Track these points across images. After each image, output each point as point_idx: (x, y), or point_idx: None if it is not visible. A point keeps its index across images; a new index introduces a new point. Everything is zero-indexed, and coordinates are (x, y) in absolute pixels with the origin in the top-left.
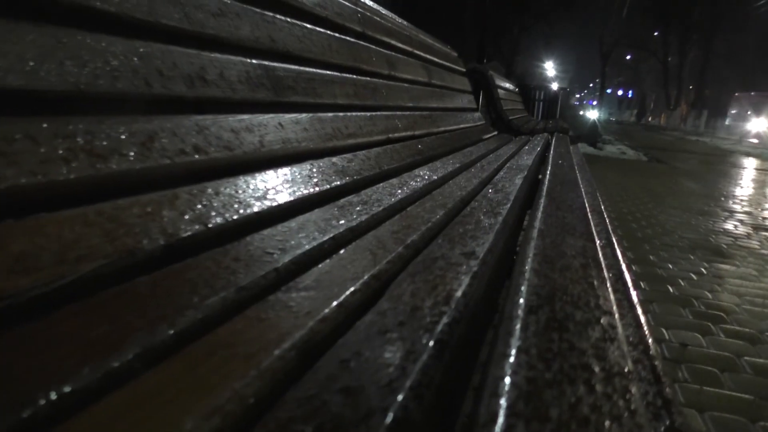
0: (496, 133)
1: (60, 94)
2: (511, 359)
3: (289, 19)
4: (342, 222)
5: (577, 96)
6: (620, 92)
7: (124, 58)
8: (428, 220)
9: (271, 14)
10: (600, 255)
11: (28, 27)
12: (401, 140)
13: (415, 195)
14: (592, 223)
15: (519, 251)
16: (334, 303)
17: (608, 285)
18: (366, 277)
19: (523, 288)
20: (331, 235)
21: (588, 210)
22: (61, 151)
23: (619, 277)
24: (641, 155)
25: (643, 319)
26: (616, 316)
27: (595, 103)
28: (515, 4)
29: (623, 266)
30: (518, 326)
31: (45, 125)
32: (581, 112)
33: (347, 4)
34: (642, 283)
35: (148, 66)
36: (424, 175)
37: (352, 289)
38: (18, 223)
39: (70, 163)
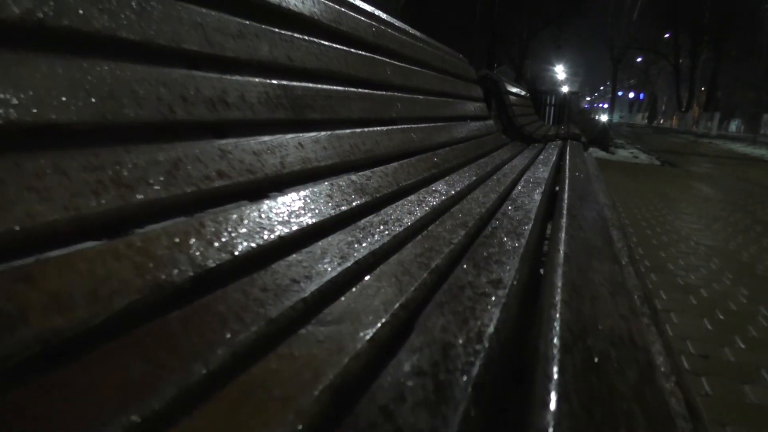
0: (509, 140)
1: (88, 126)
2: (552, 407)
3: (306, 37)
4: (364, 245)
5: (588, 99)
6: (631, 95)
7: (149, 86)
8: (450, 242)
9: (288, 33)
10: (626, 279)
11: (56, 60)
12: (417, 153)
13: (434, 213)
14: (614, 241)
15: (545, 278)
16: (366, 337)
17: (638, 314)
18: (394, 308)
19: (556, 324)
20: (355, 260)
21: (609, 226)
22: (90, 184)
23: (645, 299)
24: (654, 159)
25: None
26: (651, 350)
27: (606, 105)
28: (524, 9)
29: (648, 287)
30: (555, 369)
31: (74, 158)
32: (592, 115)
33: (361, 18)
34: (661, 292)
35: (172, 92)
36: (441, 190)
37: (381, 321)
38: (51, 259)
39: (99, 195)
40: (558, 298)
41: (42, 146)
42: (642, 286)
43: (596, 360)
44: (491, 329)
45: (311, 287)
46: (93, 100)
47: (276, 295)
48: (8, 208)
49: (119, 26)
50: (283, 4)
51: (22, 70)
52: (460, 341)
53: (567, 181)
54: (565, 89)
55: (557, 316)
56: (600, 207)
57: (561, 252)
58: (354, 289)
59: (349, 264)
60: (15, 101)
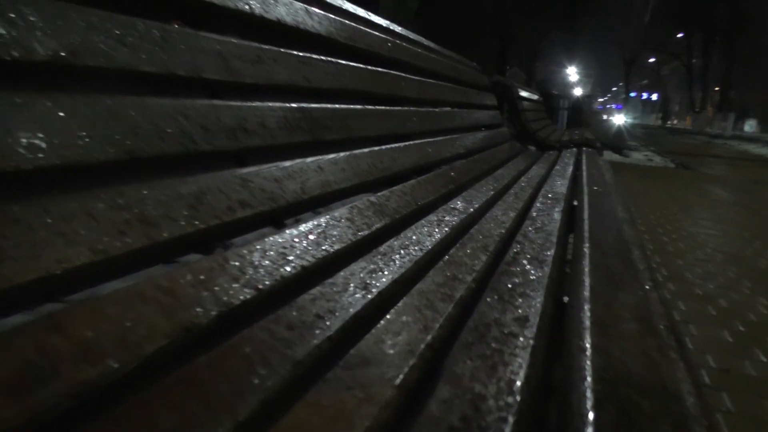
0: (523, 148)
1: (113, 164)
2: None
3: (323, 57)
4: (386, 272)
5: (600, 100)
6: (644, 95)
7: (171, 119)
8: (472, 269)
9: (305, 54)
10: (652, 311)
11: (80, 98)
12: (434, 167)
13: (454, 233)
14: (637, 264)
15: (572, 314)
16: (395, 382)
17: (667, 353)
18: (420, 348)
19: (587, 374)
20: (378, 290)
21: (630, 246)
22: (117, 224)
23: (671, 330)
24: (668, 162)
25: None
26: (682, 396)
27: (620, 107)
28: (533, 11)
29: (673, 316)
30: (590, 430)
31: (100, 198)
32: (604, 117)
33: (376, 34)
34: (680, 303)
35: (193, 123)
36: (459, 207)
37: (408, 364)
38: (81, 305)
39: (125, 235)
40: (587, 341)
41: (68, 188)
42: (667, 315)
43: (630, 414)
44: (521, 378)
45: (336, 323)
46: (117, 137)
47: (301, 334)
48: (37, 255)
49: (141, 60)
50: (301, 26)
51: (48, 111)
52: (491, 392)
53: (585, 196)
54: (577, 91)
55: (588, 363)
56: (620, 224)
57: (586, 284)
58: (379, 325)
59: (372, 296)
60: (43, 144)
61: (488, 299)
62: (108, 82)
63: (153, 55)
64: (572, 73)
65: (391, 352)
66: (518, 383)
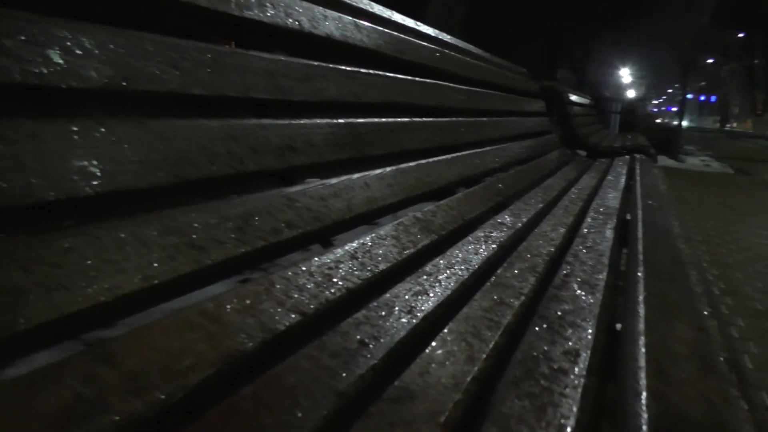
0: (572, 155)
1: (163, 188)
2: None
3: (371, 71)
4: (431, 295)
5: (655, 102)
6: (701, 98)
7: (220, 140)
8: (520, 292)
9: (353, 69)
10: (712, 347)
11: (132, 124)
12: (481, 179)
13: (501, 251)
14: (694, 290)
15: (626, 350)
16: (439, 420)
17: (729, 397)
18: (466, 382)
19: (643, 423)
20: (423, 314)
21: (686, 268)
22: (166, 249)
23: (732, 365)
24: (726, 167)
25: None
26: None
27: (675, 109)
28: (585, 13)
29: (734, 349)
30: None
31: (150, 223)
32: (658, 120)
33: (424, 44)
34: (739, 320)
35: (242, 144)
36: (507, 222)
37: (454, 399)
38: (130, 335)
39: (174, 260)
40: (642, 383)
41: (120, 214)
42: (728, 347)
43: None
44: (572, 424)
45: (380, 351)
46: (167, 161)
47: (345, 362)
48: (88, 283)
49: (192, 82)
50: (349, 41)
51: (102, 137)
52: None
53: (639, 210)
54: (630, 93)
55: (644, 409)
56: (675, 243)
57: (640, 314)
58: (424, 354)
59: (417, 321)
60: (96, 171)
61: (536, 328)
62: (159, 106)
63: (203, 76)
64: (625, 74)
65: (436, 385)
66: (568, 430)
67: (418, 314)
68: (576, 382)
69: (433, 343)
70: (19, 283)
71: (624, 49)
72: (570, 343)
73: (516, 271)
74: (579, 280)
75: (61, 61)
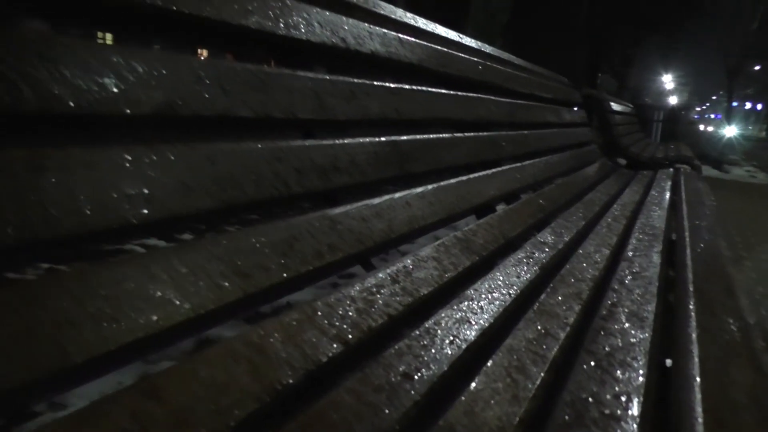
0: (613, 166)
1: (210, 213)
2: None
3: (414, 87)
4: (473, 323)
5: (698, 109)
6: (748, 105)
7: (266, 162)
8: (565, 322)
9: (397, 85)
10: None
11: (180, 147)
12: (522, 194)
13: (544, 274)
14: (747, 321)
15: (681, 397)
16: None
17: None
18: (513, 425)
19: None
20: (466, 344)
21: (739, 299)
22: (213, 277)
23: None
24: None
25: None
26: None
27: (719, 117)
28: (627, 18)
29: None
30: None
31: (199, 250)
32: (701, 127)
33: (466, 57)
34: None
35: (287, 166)
36: (549, 241)
37: None
38: (175, 367)
39: (221, 288)
40: None
41: (169, 240)
42: None
43: None
44: None
45: (423, 386)
46: (215, 185)
47: (389, 398)
48: (137, 315)
49: (240, 105)
50: (393, 57)
51: (152, 164)
52: None
53: (686, 232)
54: (672, 100)
55: None
56: (726, 269)
57: (695, 356)
58: (467, 391)
59: (459, 352)
60: (148, 198)
61: (584, 365)
62: (207, 129)
63: (250, 98)
64: (667, 80)
65: (482, 426)
66: None
67: (461, 344)
68: (628, 430)
69: (477, 379)
70: (72, 315)
71: (667, 55)
72: (621, 386)
73: (560, 298)
74: (627, 311)
75: (114, 89)
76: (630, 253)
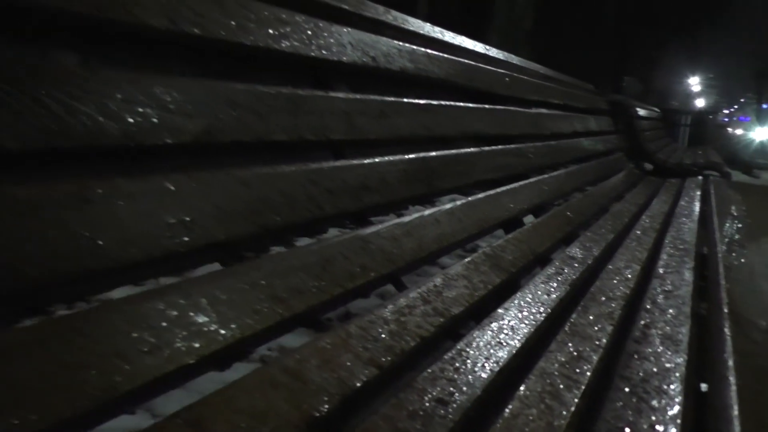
0: (640, 174)
1: (248, 238)
2: None
3: (442, 102)
4: (505, 344)
5: (726, 112)
6: None
7: (299, 185)
8: (597, 344)
9: (425, 102)
10: None
11: (217, 173)
12: (549, 206)
13: (574, 291)
14: None
15: (718, 426)
16: None
17: None
18: None
19: None
20: (498, 367)
21: None
22: (251, 303)
23: None
24: None
25: None
26: None
27: (747, 120)
28: (653, 20)
29: None
30: None
31: (238, 277)
32: (729, 130)
33: (494, 69)
34: None
35: (320, 187)
36: (577, 255)
37: None
38: (215, 396)
39: (258, 313)
40: None
41: (208, 266)
42: None
43: None
44: None
45: (457, 412)
46: (251, 210)
47: (423, 425)
48: (182, 343)
49: (275, 128)
50: (422, 73)
51: (190, 189)
52: None
53: (718, 247)
54: (699, 102)
55: None
56: (761, 288)
57: (732, 384)
58: (502, 418)
59: (492, 375)
60: (189, 225)
61: (618, 392)
62: (243, 154)
63: (284, 121)
64: (694, 83)
65: None
66: None
67: (494, 367)
68: None
69: (511, 404)
70: (121, 347)
71: (694, 57)
72: (658, 415)
73: (591, 318)
74: (660, 333)
75: (156, 120)
76: (661, 270)
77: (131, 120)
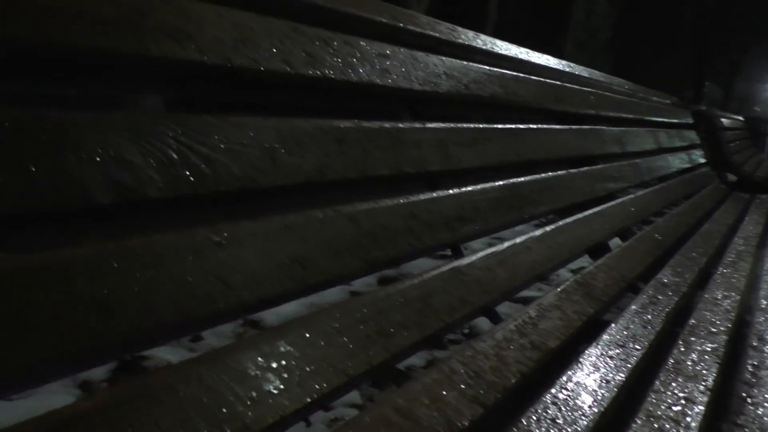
0: (727, 190)
1: (356, 274)
2: None
3: (531, 126)
4: (604, 382)
5: None
6: None
7: (401, 219)
8: (705, 386)
9: (515, 126)
10: None
11: (328, 211)
12: (637, 228)
13: (671, 324)
14: None
15: None
16: None
17: None
18: None
19: None
20: (602, 409)
21: None
22: (361, 340)
23: None
24: None
25: None
26: None
27: None
28: (735, 24)
29: None
30: None
31: (349, 312)
32: None
33: (580, 88)
34: None
35: (419, 221)
36: (669, 282)
37: None
38: None
39: (368, 350)
40: None
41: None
42: None
43: None
44: None
45: None
46: (357, 245)
47: None
48: (301, 381)
49: (376, 163)
50: (511, 97)
51: (303, 227)
52: None
53: None
54: None
55: None
56: None
57: None
58: None
59: (597, 417)
60: (301, 263)
61: None
62: (347, 191)
63: (386, 156)
64: None
65: None
66: None
67: (597, 407)
68: None
69: None
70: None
71: None
72: None
73: (694, 356)
74: None
75: (273, 160)
76: (764, 302)
77: (254, 162)
